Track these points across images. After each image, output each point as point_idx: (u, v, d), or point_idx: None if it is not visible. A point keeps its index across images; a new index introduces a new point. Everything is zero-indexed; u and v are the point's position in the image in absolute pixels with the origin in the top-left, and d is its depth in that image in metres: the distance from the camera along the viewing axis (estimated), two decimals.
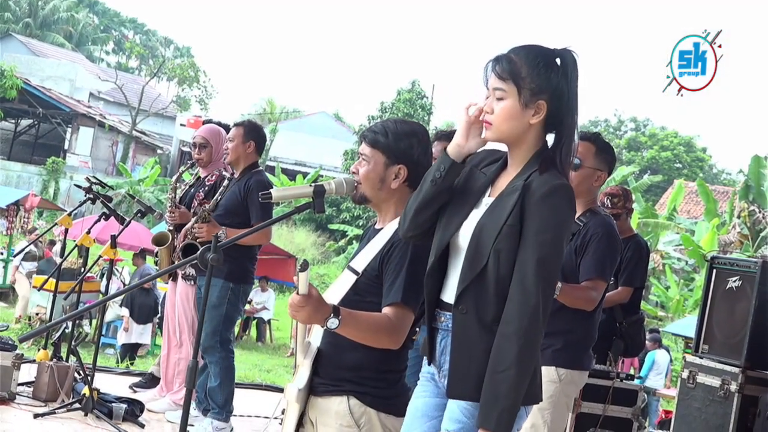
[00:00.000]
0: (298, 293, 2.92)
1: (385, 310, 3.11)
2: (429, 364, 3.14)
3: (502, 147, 3.07)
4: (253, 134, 6.51)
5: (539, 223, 2.82)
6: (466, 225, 2.99)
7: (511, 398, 2.76)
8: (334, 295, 3.23)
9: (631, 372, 13.70)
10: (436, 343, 3.05)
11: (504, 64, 2.93)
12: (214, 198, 6.46)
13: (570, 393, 4.60)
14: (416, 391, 3.20)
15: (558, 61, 2.95)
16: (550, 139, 3.00)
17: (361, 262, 3.26)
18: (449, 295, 3.00)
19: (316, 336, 3.28)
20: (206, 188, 6.66)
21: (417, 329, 3.27)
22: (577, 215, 4.57)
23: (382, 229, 3.32)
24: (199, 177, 6.89)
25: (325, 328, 3.00)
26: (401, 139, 3.30)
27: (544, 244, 2.81)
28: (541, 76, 2.90)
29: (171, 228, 6.61)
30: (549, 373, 4.39)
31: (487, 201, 3.00)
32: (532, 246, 2.81)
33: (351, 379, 3.17)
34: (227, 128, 6.84)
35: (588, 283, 4.54)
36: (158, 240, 6.66)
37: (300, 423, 3.27)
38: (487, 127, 2.95)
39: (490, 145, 3.08)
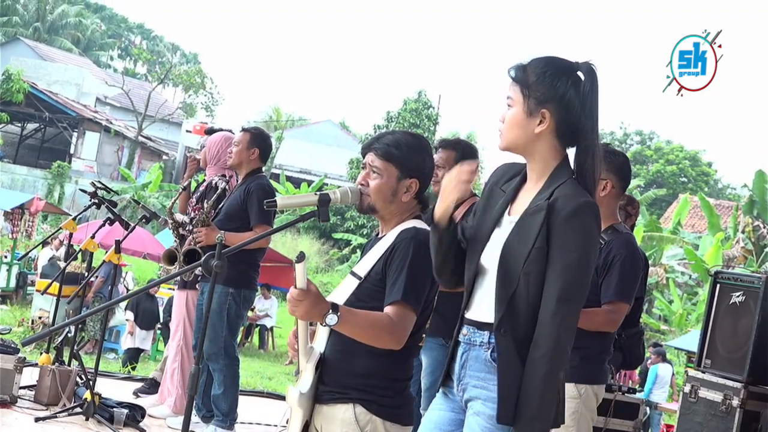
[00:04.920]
0: (296, 287, 2.92)
1: (386, 309, 3.11)
2: (447, 377, 3.14)
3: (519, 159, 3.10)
4: (259, 141, 6.51)
5: (565, 244, 2.84)
6: (489, 245, 3.01)
7: (543, 422, 2.84)
8: (336, 299, 3.22)
9: (630, 385, 13.67)
10: (457, 355, 3.07)
11: (516, 71, 2.98)
12: (217, 203, 6.47)
13: (592, 407, 4.57)
14: (433, 402, 3.22)
15: (572, 72, 2.96)
16: (571, 153, 3.02)
17: (364, 267, 3.27)
18: (474, 312, 3.03)
19: (320, 341, 3.27)
20: (198, 193, 6.71)
21: (423, 335, 3.27)
22: None
23: (384, 236, 3.32)
24: (202, 181, 6.96)
25: (324, 325, 2.99)
26: (414, 154, 3.32)
27: (570, 267, 2.84)
28: (546, 84, 2.93)
29: (177, 242, 6.57)
30: (569, 390, 4.31)
31: (510, 219, 3.00)
32: (558, 269, 2.84)
33: (357, 386, 3.16)
34: (233, 133, 6.89)
35: (609, 306, 4.52)
36: (168, 258, 6.57)
37: (305, 431, 3.25)
38: (499, 135, 3.00)
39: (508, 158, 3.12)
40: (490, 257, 2.98)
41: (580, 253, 2.85)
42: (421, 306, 3.16)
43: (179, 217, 6.57)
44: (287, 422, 3.40)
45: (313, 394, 3.23)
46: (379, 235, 3.38)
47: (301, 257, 2.93)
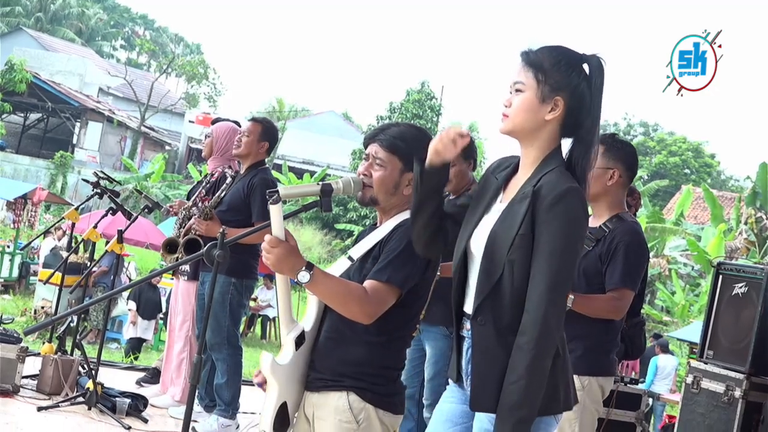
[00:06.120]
0: (271, 233, 2.92)
1: (366, 282, 3.10)
2: (456, 372, 3.13)
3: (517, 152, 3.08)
4: (269, 135, 6.49)
5: (549, 231, 2.82)
6: (477, 231, 3.01)
7: (525, 409, 2.78)
8: None
9: (633, 376, 13.64)
10: (462, 350, 3.06)
11: (529, 56, 2.96)
12: (216, 194, 6.45)
13: (597, 399, 4.49)
14: (444, 394, 3.21)
15: (582, 64, 2.96)
16: (566, 144, 3.01)
17: (359, 250, 3.28)
18: (469, 304, 3.01)
19: (307, 320, 3.26)
20: (208, 185, 6.67)
21: (417, 326, 3.26)
22: (603, 220, 4.51)
23: (382, 225, 3.33)
24: (206, 174, 6.91)
25: (296, 282, 2.98)
26: (419, 147, 3.28)
27: (554, 253, 2.81)
28: (562, 73, 2.92)
29: (178, 232, 6.55)
30: None
31: (498, 207, 3.00)
32: (543, 256, 2.81)
33: (351, 374, 3.16)
34: (239, 125, 6.85)
35: (613, 293, 4.43)
36: (168, 247, 6.54)
37: (285, 417, 3.21)
38: (503, 119, 2.97)
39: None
40: (478, 243, 2.98)
41: (565, 240, 2.83)
42: (404, 288, 3.14)
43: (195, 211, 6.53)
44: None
45: (293, 372, 3.22)
46: (377, 225, 3.38)
47: (277, 199, 2.92)
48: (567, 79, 2.92)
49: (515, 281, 2.84)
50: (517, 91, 2.96)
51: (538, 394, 2.80)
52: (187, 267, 6.65)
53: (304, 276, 2.95)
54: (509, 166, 3.09)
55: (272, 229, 2.93)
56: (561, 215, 2.82)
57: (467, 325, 3.02)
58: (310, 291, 3.08)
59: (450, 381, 3.18)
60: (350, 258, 3.29)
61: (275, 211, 2.93)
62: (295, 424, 3.29)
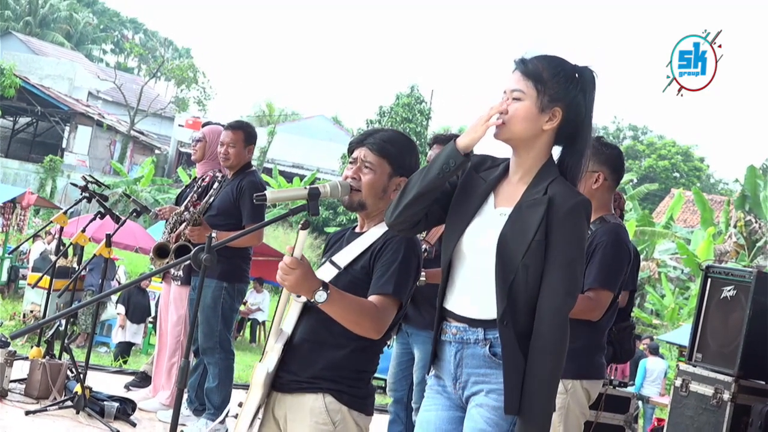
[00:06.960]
0: (292, 254, 2.93)
1: (372, 298, 3.11)
2: (435, 376, 3.15)
3: (501, 154, 3.09)
4: (252, 138, 6.49)
5: (567, 240, 2.89)
6: (470, 233, 3.02)
7: (547, 413, 2.88)
8: None
9: (621, 379, 13.67)
10: (448, 355, 3.07)
11: (528, 65, 2.99)
12: (205, 200, 6.44)
13: (582, 403, 4.46)
14: (424, 403, 3.21)
15: (577, 76, 3.00)
16: (556, 151, 3.05)
17: (345, 258, 3.27)
18: (458, 305, 3.04)
19: (288, 323, 3.26)
20: (200, 190, 6.65)
21: (393, 334, 3.27)
22: None
23: (364, 232, 3.33)
24: (195, 178, 6.89)
25: (312, 301, 2.98)
26: (407, 152, 3.35)
27: (572, 262, 2.90)
28: (561, 84, 2.96)
29: (168, 236, 6.52)
30: None
31: (499, 211, 3.01)
32: (559, 264, 2.88)
33: (328, 377, 3.17)
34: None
35: (588, 293, 4.40)
36: (159, 251, 6.51)
37: (253, 417, 3.22)
38: (500, 127, 2.97)
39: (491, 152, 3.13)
40: (474, 246, 2.99)
41: (578, 249, 2.92)
42: (405, 300, 3.18)
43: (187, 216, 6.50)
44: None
45: (272, 378, 3.24)
46: (358, 230, 3.38)
47: (306, 225, 2.95)
48: (565, 90, 2.97)
49: (529, 285, 2.89)
50: (515, 99, 2.97)
51: (555, 397, 2.91)
52: (180, 272, 6.63)
53: (321, 296, 2.96)
54: (495, 167, 3.10)
55: (295, 251, 2.95)
56: (576, 225, 2.92)
57: (452, 329, 3.04)
58: (324, 310, 3.06)
59: (430, 388, 3.19)
60: (334, 263, 3.28)
61: (302, 236, 2.96)
62: (261, 425, 3.30)
